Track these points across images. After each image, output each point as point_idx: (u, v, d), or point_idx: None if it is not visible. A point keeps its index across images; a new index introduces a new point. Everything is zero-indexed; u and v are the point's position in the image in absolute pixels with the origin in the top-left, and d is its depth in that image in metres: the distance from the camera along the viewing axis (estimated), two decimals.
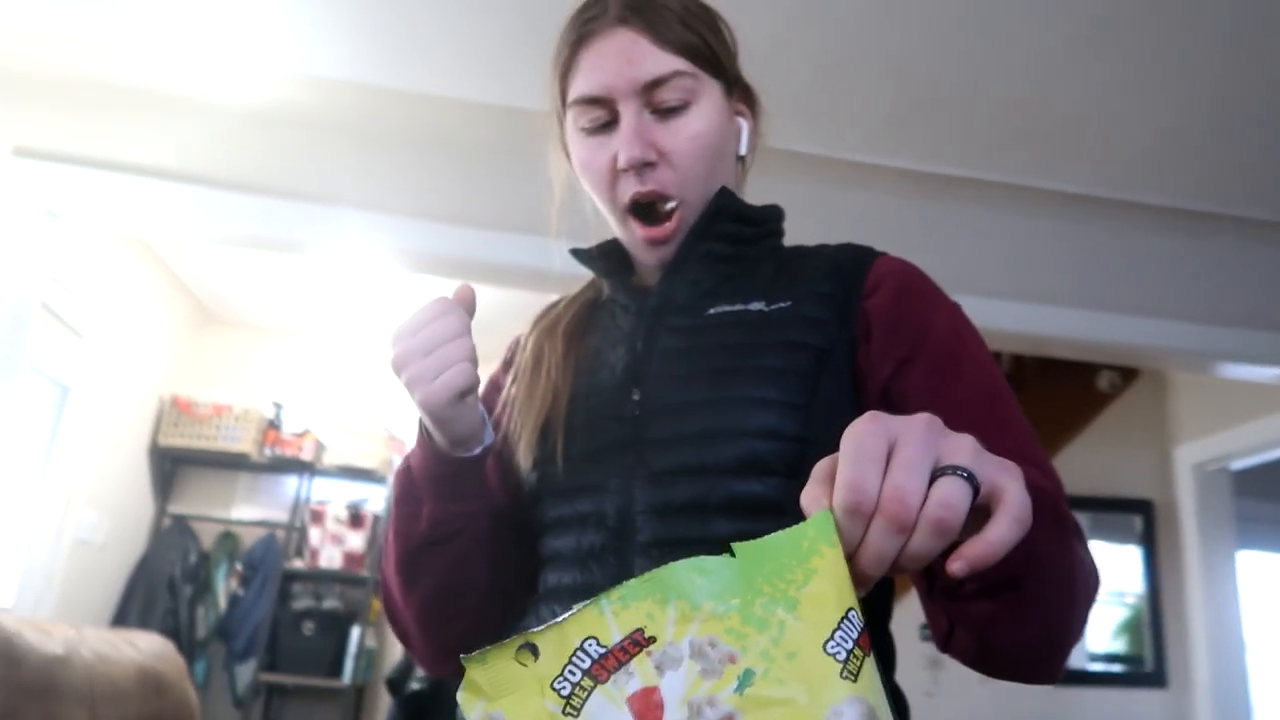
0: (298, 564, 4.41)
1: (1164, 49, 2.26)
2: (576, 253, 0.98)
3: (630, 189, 0.86)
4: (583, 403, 0.87)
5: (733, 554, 0.48)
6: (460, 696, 0.46)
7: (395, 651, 4.49)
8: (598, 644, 0.46)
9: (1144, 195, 2.89)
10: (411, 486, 0.84)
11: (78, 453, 3.70)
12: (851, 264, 0.88)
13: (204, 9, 2.37)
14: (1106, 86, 2.42)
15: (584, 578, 0.80)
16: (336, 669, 4.27)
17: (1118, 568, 4.40)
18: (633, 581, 0.47)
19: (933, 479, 0.47)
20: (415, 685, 3.84)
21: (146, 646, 2.14)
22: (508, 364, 1.01)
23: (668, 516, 0.79)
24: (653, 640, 0.46)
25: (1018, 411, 0.80)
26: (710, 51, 0.87)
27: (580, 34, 0.87)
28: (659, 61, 0.84)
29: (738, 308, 0.86)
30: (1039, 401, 4.34)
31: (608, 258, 0.96)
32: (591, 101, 0.86)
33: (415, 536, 0.84)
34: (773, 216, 0.95)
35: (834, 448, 0.78)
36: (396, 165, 2.61)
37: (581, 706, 0.45)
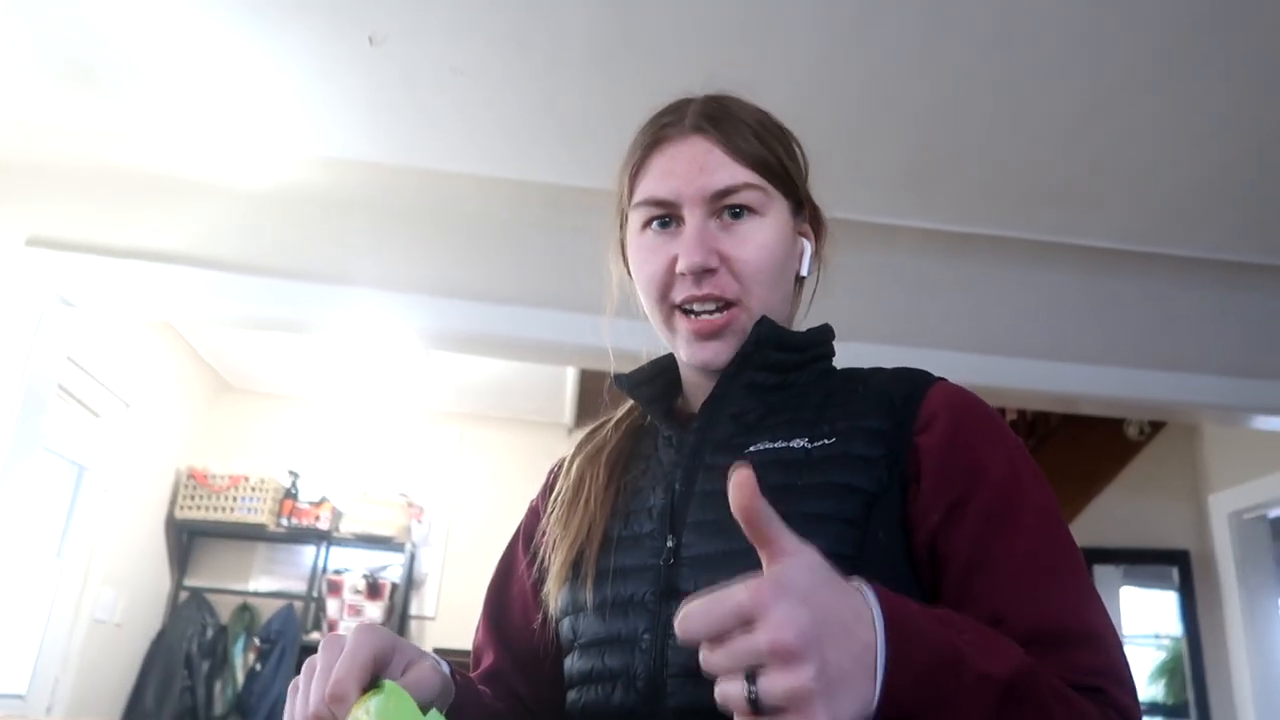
0: (316, 636, 4.34)
1: (1191, 102, 2.23)
2: (619, 380, 0.94)
3: (685, 291, 0.84)
4: (617, 545, 0.83)
5: None
6: None
7: None
8: None
9: (1172, 247, 2.84)
10: None
11: (95, 531, 3.66)
12: (903, 396, 0.82)
13: (214, 94, 2.37)
14: (1133, 140, 2.38)
15: None
16: None
17: (1154, 612, 4.29)
18: None
19: None
20: None
21: None
22: (548, 489, 0.98)
23: (702, 683, 0.73)
24: None
25: (1077, 569, 0.74)
26: (781, 168, 0.87)
27: (655, 138, 0.88)
28: (731, 172, 0.84)
29: (779, 445, 0.81)
30: (1066, 451, 4.27)
31: (651, 382, 0.93)
32: (658, 204, 0.85)
33: None
34: (819, 340, 0.90)
35: None
36: (412, 242, 2.58)
37: None
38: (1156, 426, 4.35)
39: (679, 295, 0.84)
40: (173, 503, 4.29)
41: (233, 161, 2.58)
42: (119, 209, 2.50)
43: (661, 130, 0.87)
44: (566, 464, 0.95)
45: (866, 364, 0.90)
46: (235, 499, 4.31)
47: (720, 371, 0.86)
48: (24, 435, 2.42)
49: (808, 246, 0.92)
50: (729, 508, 0.79)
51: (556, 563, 0.86)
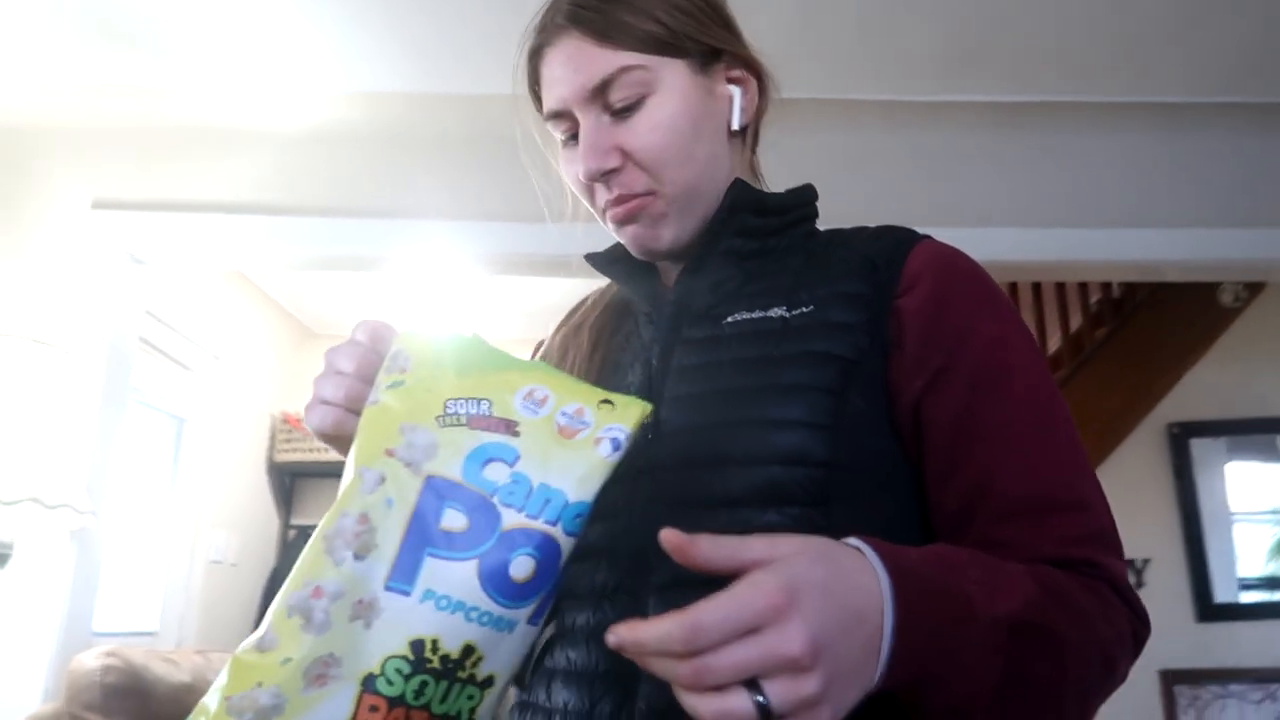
0: None
1: None
2: (591, 258, 0.92)
3: (602, 197, 0.83)
4: None
5: None
6: None
7: None
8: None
9: (1253, 95, 2.65)
10: None
11: (200, 479, 3.86)
12: (886, 256, 0.78)
13: (249, 43, 2.40)
14: None
15: (597, 617, 0.74)
16: None
17: (1266, 487, 4.12)
18: None
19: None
20: None
21: None
22: None
23: None
24: None
25: (1068, 435, 0.72)
26: (666, 31, 0.80)
27: (535, 45, 0.85)
28: (603, 62, 0.79)
29: (757, 315, 0.78)
30: (1155, 327, 4.08)
31: (627, 259, 0.90)
32: (556, 116, 0.83)
33: None
34: (800, 202, 0.87)
35: (863, 473, 0.73)
36: (459, 169, 2.60)
37: None
38: (1254, 291, 4.12)
39: (599, 203, 0.84)
40: (271, 447, 4.49)
41: (275, 106, 2.62)
42: (172, 164, 2.57)
43: (539, 35, 0.84)
44: (549, 342, 0.94)
45: None
46: None
47: (697, 241, 0.84)
48: (114, 392, 2.55)
49: (737, 94, 0.85)
50: (707, 382, 0.79)
51: None
